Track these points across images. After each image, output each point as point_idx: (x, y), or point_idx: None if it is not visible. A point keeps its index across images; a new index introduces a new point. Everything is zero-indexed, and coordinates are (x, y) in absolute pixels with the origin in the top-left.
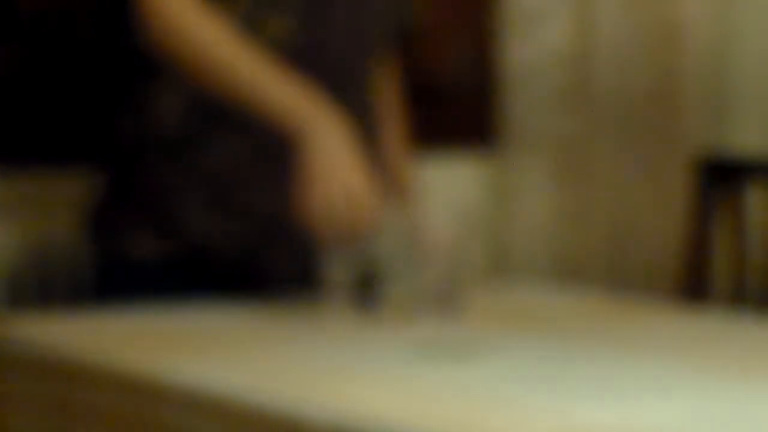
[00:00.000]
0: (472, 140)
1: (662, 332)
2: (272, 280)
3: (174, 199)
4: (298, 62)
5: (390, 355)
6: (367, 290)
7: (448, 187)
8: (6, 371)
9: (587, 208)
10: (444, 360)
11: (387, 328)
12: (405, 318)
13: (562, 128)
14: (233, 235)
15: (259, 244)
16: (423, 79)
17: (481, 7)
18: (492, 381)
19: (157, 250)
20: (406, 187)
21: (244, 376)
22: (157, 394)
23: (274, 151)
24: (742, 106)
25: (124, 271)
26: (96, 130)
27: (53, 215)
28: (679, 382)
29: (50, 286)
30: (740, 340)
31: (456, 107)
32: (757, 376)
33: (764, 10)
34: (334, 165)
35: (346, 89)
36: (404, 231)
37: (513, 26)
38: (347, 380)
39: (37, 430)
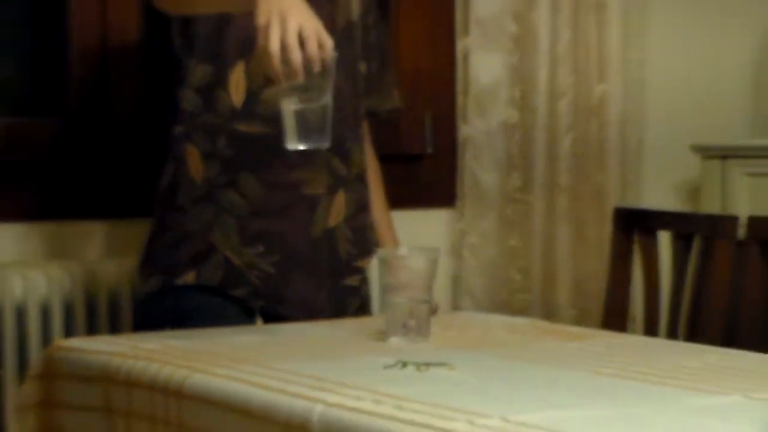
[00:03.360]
0: (436, 196)
1: (584, 350)
2: (296, 306)
3: (210, 236)
4: None
5: (365, 368)
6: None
7: (415, 233)
8: (62, 380)
9: (526, 249)
10: (410, 373)
11: (364, 346)
12: (379, 338)
13: (507, 185)
14: (263, 266)
15: (287, 275)
16: (397, 147)
17: (443, 87)
18: (449, 390)
19: (198, 280)
20: (394, 237)
21: (248, 383)
22: (182, 396)
23: (292, 190)
24: (653, 167)
25: (169, 297)
26: (136, 187)
27: (103, 256)
28: (594, 389)
29: (97, 315)
30: (650, 355)
31: (423, 169)
32: (659, 385)
33: (666, 93)
34: (287, 8)
35: (342, 134)
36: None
37: (469, 103)
38: (328, 389)
39: (86, 428)
